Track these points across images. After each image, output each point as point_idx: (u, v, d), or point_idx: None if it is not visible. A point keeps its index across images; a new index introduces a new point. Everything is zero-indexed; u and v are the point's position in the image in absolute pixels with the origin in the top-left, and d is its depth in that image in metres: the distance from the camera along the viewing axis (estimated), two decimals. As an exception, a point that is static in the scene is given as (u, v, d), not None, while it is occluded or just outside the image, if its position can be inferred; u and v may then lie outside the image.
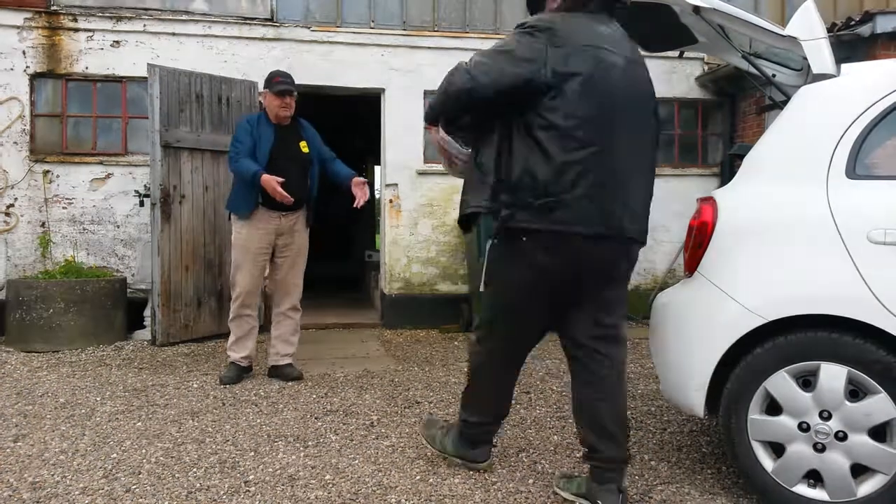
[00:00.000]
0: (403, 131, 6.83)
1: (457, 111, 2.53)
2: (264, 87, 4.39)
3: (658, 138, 2.61)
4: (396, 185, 6.84)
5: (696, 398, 2.57)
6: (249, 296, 4.42)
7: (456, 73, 2.42)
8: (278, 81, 4.32)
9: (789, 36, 2.63)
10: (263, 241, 4.35)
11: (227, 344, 4.52)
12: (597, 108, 2.32)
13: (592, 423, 2.52)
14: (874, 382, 2.28)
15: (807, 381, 2.39)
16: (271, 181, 4.04)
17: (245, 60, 6.52)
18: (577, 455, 3.05)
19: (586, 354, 2.51)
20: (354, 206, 4.27)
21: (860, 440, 2.30)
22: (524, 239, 2.39)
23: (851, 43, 5.56)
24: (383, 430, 3.43)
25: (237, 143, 4.29)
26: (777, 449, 2.45)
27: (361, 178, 4.35)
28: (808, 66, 2.63)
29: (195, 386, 4.31)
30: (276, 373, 4.51)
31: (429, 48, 6.84)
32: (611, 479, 2.47)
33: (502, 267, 2.53)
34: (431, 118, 2.62)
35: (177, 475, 2.83)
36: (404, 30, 6.83)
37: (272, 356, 4.53)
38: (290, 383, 4.39)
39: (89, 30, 6.30)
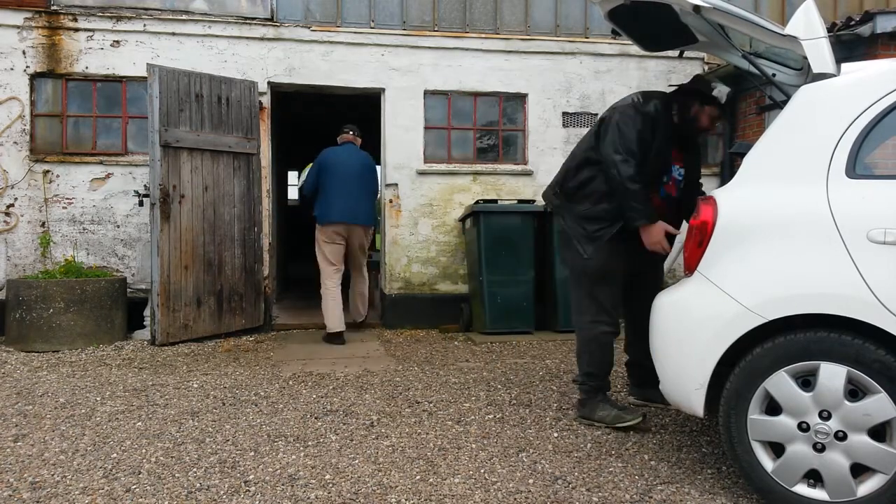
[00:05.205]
0: (403, 131, 6.84)
1: None
2: None
3: None
4: (396, 185, 6.84)
5: (696, 398, 2.57)
6: None
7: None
8: None
9: (789, 35, 2.63)
10: None
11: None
12: None
13: None
14: (874, 382, 2.27)
15: (806, 381, 2.39)
16: None
17: (245, 60, 6.52)
18: (577, 455, 3.06)
19: None
20: None
21: (860, 440, 2.29)
22: None
23: (851, 43, 5.56)
24: (383, 430, 3.43)
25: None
26: (777, 449, 2.45)
27: None
28: (808, 66, 2.62)
29: (195, 386, 4.31)
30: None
31: (429, 48, 6.84)
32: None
33: None
34: None
35: (177, 475, 2.83)
36: (404, 30, 6.84)
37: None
38: (290, 382, 4.39)
39: (89, 30, 6.30)
